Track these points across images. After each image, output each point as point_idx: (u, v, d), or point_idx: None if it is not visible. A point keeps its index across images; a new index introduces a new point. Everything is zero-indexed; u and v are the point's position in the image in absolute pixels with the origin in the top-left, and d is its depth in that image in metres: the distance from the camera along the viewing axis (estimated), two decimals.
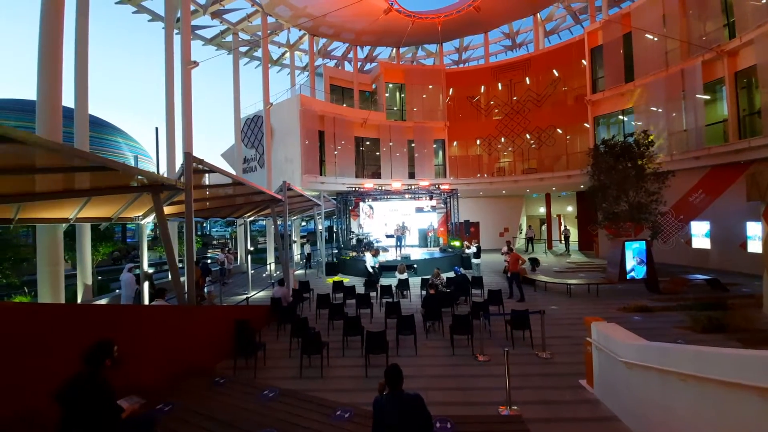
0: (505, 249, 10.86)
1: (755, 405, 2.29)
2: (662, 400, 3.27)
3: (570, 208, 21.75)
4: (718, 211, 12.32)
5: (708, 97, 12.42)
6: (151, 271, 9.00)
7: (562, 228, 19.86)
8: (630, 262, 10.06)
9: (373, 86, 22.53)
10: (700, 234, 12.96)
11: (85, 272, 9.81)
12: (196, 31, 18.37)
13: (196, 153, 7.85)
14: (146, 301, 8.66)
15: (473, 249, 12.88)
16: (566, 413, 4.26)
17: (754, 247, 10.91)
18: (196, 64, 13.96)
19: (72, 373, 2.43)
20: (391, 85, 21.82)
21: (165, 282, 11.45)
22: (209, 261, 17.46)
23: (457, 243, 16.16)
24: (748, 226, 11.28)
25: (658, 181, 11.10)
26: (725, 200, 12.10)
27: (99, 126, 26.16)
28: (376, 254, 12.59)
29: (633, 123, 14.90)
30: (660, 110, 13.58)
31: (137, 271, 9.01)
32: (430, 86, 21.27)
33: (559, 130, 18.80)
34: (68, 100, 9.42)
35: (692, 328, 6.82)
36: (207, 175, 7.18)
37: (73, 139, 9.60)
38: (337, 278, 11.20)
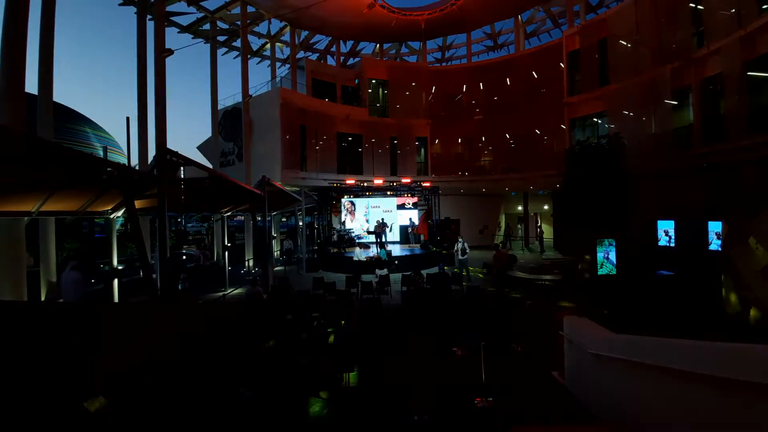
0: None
1: (713, 392, 2.44)
2: (628, 389, 3.43)
3: (546, 207, 22.39)
4: (683, 212, 12.97)
5: (676, 102, 13.03)
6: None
7: (537, 228, 20.38)
8: (600, 259, 10.48)
9: (356, 81, 22.38)
10: (665, 234, 13.62)
11: (49, 269, 9.31)
12: (171, 18, 17.66)
13: (170, 145, 7.58)
14: (116, 299, 8.31)
15: (461, 245, 12.77)
16: (539, 403, 4.41)
17: (715, 246, 11.56)
18: (170, 52, 13.40)
19: (31, 374, 2.31)
20: (374, 81, 21.71)
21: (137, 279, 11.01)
22: (184, 257, 16.95)
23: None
24: (709, 227, 11.93)
25: (628, 183, 11.60)
26: (689, 201, 12.75)
27: (65, 115, 24.79)
28: (366, 248, 12.97)
29: (606, 126, 15.46)
30: (631, 114, 14.14)
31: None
32: (413, 84, 21.31)
33: (536, 131, 19.27)
34: (32, 86, 8.88)
35: (658, 321, 7.18)
36: (182, 168, 6.94)
37: (36, 128, 9.06)
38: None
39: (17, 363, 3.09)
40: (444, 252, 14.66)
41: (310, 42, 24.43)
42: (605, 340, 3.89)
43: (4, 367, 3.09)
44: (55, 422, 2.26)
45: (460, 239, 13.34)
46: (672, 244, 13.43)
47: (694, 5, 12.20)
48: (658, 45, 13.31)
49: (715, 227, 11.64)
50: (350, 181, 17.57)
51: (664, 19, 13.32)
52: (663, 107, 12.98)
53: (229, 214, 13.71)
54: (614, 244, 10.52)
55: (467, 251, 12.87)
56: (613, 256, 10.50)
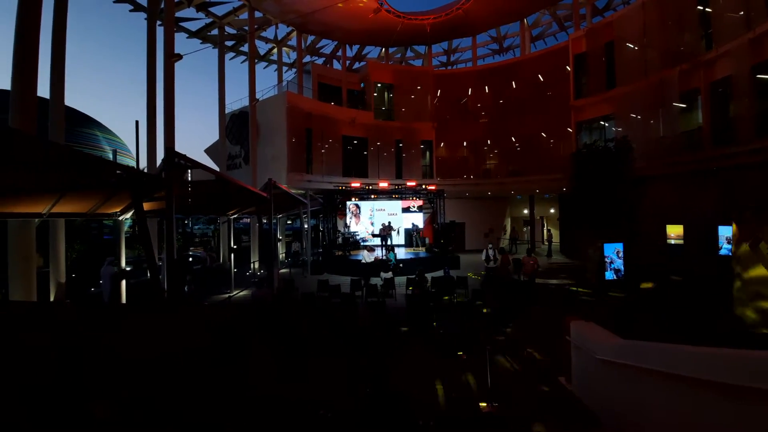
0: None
1: (722, 400, 2.40)
2: (636, 395, 3.38)
3: (553, 210, 22.23)
4: (692, 216, 12.79)
5: (684, 105, 12.89)
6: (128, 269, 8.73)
7: (545, 232, 20.23)
8: (609, 263, 10.36)
9: (362, 85, 22.48)
10: (674, 237, 13.43)
11: (58, 270, 9.44)
12: (180, 23, 17.94)
13: (179, 148, 7.68)
14: (124, 300, 8.41)
15: (490, 252, 11.88)
16: (545, 409, 4.35)
17: (726, 250, 11.37)
18: (179, 56, 13.61)
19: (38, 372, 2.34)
20: (379, 85, 21.80)
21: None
22: (191, 259, 17.07)
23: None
24: (719, 231, 11.75)
25: (636, 186, 11.48)
26: (699, 205, 12.57)
27: (76, 119, 25.23)
28: (372, 251, 12.97)
29: (614, 129, 15.33)
30: (639, 117, 14.02)
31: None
32: (419, 87, 21.35)
33: (543, 134, 19.17)
34: (43, 90, 9.07)
35: (665, 326, 7.07)
36: (189, 171, 7.02)
37: (48, 132, 9.23)
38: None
39: (24, 361, 3.14)
40: (449, 255, 14.62)
41: (317, 46, 24.63)
42: (612, 345, 3.85)
43: (12, 364, 3.14)
44: (59, 422, 2.28)
45: (490, 246, 12.22)
46: (681, 249, 13.24)
47: (702, 8, 12.10)
48: (666, 47, 13.20)
49: (725, 231, 11.46)
50: (355, 184, 17.62)
51: (671, 21, 13.20)
52: (671, 110, 12.85)
53: (235, 216, 13.81)
54: (622, 248, 10.39)
55: (497, 259, 11.84)
56: (620, 261, 10.36)
